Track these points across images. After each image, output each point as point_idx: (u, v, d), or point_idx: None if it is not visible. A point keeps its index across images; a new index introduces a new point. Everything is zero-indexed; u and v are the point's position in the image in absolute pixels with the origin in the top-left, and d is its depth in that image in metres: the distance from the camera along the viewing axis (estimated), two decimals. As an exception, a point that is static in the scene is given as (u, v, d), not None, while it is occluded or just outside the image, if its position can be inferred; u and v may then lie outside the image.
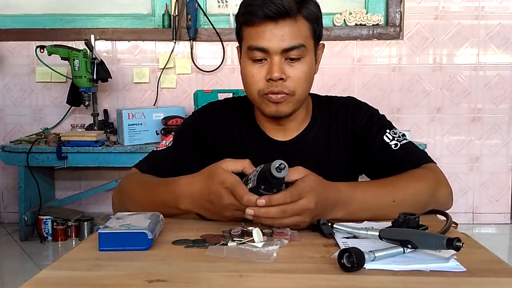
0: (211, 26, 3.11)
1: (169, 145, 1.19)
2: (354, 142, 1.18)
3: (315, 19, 1.08)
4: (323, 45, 1.16)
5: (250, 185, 0.86)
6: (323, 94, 1.29)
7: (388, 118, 1.22)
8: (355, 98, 1.25)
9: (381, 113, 1.22)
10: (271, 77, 1.05)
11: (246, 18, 1.06)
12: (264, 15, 1.02)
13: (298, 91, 1.08)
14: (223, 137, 1.19)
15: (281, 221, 0.85)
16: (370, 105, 1.24)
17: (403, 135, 1.17)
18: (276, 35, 1.04)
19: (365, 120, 1.18)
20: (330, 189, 0.92)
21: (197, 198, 0.95)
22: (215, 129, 1.20)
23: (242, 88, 1.15)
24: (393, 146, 1.13)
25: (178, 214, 1.01)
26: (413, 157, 1.11)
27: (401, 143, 1.13)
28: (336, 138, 1.19)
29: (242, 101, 1.23)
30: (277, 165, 0.80)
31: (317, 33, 1.11)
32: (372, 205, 0.96)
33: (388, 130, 1.15)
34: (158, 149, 1.20)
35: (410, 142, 1.15)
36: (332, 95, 1.29)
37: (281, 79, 1.05)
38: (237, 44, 1.17)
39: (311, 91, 1.23)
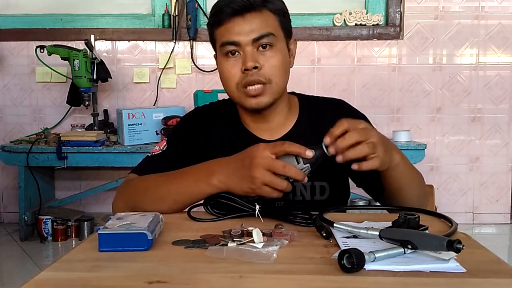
0: (211, 26, 3.10)
1: (164, 148, 1.20)
2: None
3: (281, 11, 1.13)
4: (295, 40, 1.19)
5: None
6: (323, 95, 1.30)
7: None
8: (346, 102, 1.27)
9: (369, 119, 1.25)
10: (246, 67, 1.08)
11: (215, 19, 1.11)
12: (231, 11, 1.07)
13: (275, 79, 1.10)
14: (213, 138, 1.21)
15: (362, 148, 0.91)
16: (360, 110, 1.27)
17: None
18: (245, 28, 1.08)
19: None
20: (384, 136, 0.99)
21: (231, 165, 0.99)
22: (205, 130, 1.21)
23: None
24: None
25: (205, 196, 1.03)
26: None
27: None
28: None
29: (226, 104, 1.26)
30: (327, 144, 0.93)
31: (286, 26, 1.14)
32: (409, 166, 1.05)
33: None
34: (153, 153, 1.21)
35: None
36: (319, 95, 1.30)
37: (256, 67, 1.08)
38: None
39: (300, 92, 1.26)
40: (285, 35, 1.14)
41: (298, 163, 0.94)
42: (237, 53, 1.09)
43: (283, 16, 1.13)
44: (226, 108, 1.24)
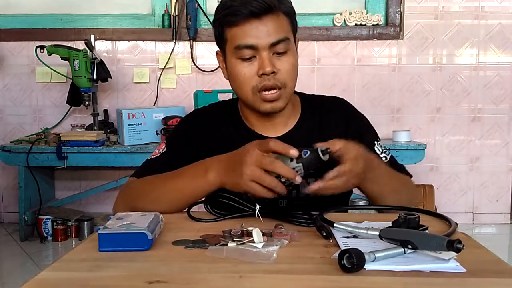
0: (211, 26, 3.10)
1: (163, 151, 1.21)
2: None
3: (292, 13, 1.13)
4: (298, 38, 1.20)
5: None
6: (323, 95, 1.30)
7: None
8: (346, 100, 1.28)
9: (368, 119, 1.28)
10: (264, 72, 1.07)
11: (228, 20, 1.08)
12: (248, 13, 1.05)
13: (289, 84, 1.12)
14: (213, 138, 1.21)
15: (337, 188, 0.95)
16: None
17: (386, 148, 1.25)
18: (263, 31, 1.06)
19: (358, 126, 1.23)
20: (368, 154, 1.03)
21: (225, 161, 1.01)
22: (204, 130, 1.22)
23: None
24: (383, 159, 1.20)
25: (202, 193, 1.04)
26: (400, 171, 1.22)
27: (388, 156, 1.22)
28: (328, 135, 1.19)
29: (227, 104, 1.27)
30: (323, 149, 0.92)
31: (295, 27, 1.15)
32: (384, 183, 1.08)
33: (376, 142, 1.22)
34: (153, 157, 1.22)
35: (392, 156, 1.24)
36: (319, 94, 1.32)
37: (273, 72, 1.08)
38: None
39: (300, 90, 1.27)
40: (294, 36, 1.15)
41: (292, 161, 0.93)
42: (252, 57, 1.09)
43: (294, 17, 1.14)
44: (226, 108, 1.25)
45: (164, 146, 1.22)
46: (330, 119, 1.22)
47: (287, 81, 1.10)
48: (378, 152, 1.20)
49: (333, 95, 1.30)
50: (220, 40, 1.14)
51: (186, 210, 1.04)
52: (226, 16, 1.09)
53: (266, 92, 1.10)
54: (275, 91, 1.10)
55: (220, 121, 1.23)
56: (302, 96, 1.26)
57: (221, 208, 1.02)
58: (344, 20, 3.15)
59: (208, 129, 1.22)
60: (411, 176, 1.25)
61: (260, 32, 1.06)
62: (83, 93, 2.91)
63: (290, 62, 1.11)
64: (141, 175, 1.16)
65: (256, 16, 1.06)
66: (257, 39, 1.06)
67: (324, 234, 0.85)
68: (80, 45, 2.99)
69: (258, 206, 0.97)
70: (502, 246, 2.93)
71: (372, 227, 0.82)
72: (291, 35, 1.12)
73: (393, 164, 1.21)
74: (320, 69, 3.13)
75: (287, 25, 1.11)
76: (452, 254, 0.72)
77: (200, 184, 1.02)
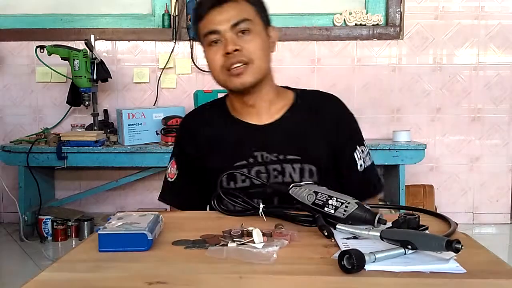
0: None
1: (177, 172, 1.27)
2: (336, 138, 1.23)
3: (257, 4, 1.19)
4: (274, 28, 1.24)
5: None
6: (317, 90, 1.35)
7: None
8: (339, 98, 1.30)
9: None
10: (227, 50, 1.14)
11: (197, 15, 1.19)
12: (210, 4, 1.16)
13: (256, 60, 1.16)
14: (204, 135, 1.26)
15: None
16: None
17: (368, 152, 1.26)
18: (224, 16, 1.15)
19: (348, 127, 1.25)
20: None
21: None
22: (194, 134, 1.27)
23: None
24: (358, 166, 1.22)
25: None
26: (369, 187, 1.25)
27: (366, 165, 1.23)
28: (317, 128, 1.23)
29: (214, 101, 1.34)
30: (381, 219, 0.86)
31: (263, 15, 1.21)
32: None
33: (358, 147, 1.24)
34: (171, 179, 1.28)
35: (372, 163, 1.26)
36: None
37: (237, 50, 1.14)
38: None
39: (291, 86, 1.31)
40: (264, 23, 1.20)
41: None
42: (219, 41, 1.16)
43: (260, 6, 1.19)
44: (215, 102, 1.32)
45: (174, 164, 1.28)
46: (321, 114, 1.24)
47: (253, 56, 1.15)
48: (357, 157, 1.22)
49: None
50: (198, 38, 1.22)
51: (213, 202, 1.07)
52: (196, 13, 1.19)
53: (233, 67, 1.15)
54: (240, 65, 1.15)
55: (208, 117, 1.29)
56: (296, 90, 1.29)
57: (226, 207, 1.06)
58: (344, 20, 3.15)
59: (198, 130, 1.27)
60: (381, 188, 1.28)
61: (222, 16, 1.15)
62: (83, 93, 2.91)
63: (255, 41, 1.16)
64: (174, 201, 1.28)
65: (217, 5, 1.15)
66: (219, 24, 1.14)
67: (326, 234, 0.85)
68: (80, 45, 2.99)
69: (261, 205, 0.98)
70: (502, 246, 2.93)
71: (372, 227, 0.82)
72: (257, 20, 1.18)
73: (368, 172, 1.23)
74: (320, 69, 3.13)
75: (250, 10, 1.17)
76: (452, 254, 0.72)
77: None
